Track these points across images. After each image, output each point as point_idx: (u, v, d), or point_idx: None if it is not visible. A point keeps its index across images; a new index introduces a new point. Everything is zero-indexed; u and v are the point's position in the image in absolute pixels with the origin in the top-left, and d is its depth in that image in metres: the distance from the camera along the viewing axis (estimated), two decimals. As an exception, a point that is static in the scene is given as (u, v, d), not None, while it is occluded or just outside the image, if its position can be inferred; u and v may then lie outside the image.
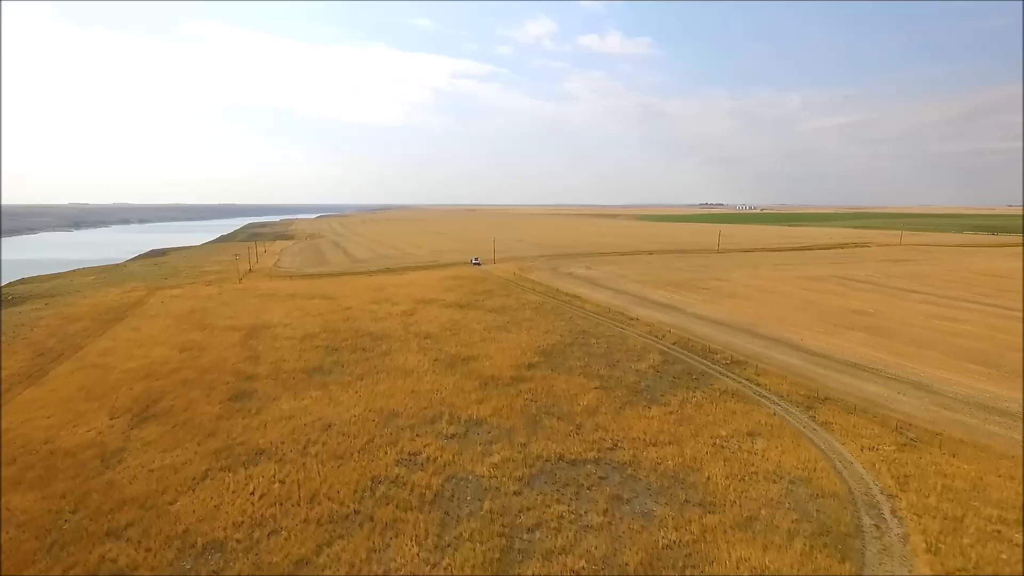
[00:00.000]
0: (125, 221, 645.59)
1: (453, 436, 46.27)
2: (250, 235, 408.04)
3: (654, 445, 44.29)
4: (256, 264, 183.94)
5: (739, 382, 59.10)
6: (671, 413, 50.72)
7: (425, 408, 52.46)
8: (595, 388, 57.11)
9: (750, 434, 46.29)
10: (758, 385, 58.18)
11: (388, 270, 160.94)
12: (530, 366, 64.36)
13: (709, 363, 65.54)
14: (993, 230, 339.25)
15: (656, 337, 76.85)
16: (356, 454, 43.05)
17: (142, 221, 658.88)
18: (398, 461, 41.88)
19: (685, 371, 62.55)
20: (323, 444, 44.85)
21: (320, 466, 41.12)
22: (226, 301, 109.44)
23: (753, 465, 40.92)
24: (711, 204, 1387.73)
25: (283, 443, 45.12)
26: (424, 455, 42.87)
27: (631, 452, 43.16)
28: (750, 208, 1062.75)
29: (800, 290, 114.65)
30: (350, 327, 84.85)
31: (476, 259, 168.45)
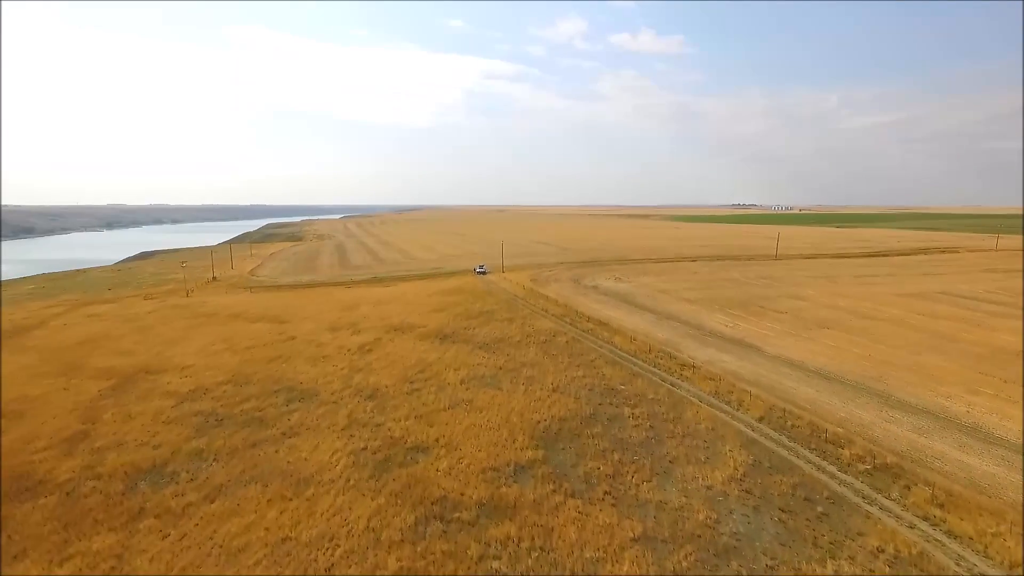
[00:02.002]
0: (158, 221, 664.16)
1: None
2: (263, 236, 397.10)
3: None
4: (230, 271, 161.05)
5: (912, 526, 31.14)
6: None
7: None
8: (633, 541, 29.86)
9: None
10: (951, 536, 30.17)
11: (377, 280, 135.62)
12: (518, 471, 37.50)
13: (835, 469, 37.56)
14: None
15: (731, 405, 48.98)
16: None
17: (174, 221, 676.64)
18: None
19: (796, 492, 34.74)
20: None
21: None
22: (146, 324, 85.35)
23: None
24: (743, 204, 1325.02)
25: None
26: None
27: None
28: (787, 208, 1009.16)
29: (912, 314, 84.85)
30: (273, 373, 59.29)
31: (482, 267, 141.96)
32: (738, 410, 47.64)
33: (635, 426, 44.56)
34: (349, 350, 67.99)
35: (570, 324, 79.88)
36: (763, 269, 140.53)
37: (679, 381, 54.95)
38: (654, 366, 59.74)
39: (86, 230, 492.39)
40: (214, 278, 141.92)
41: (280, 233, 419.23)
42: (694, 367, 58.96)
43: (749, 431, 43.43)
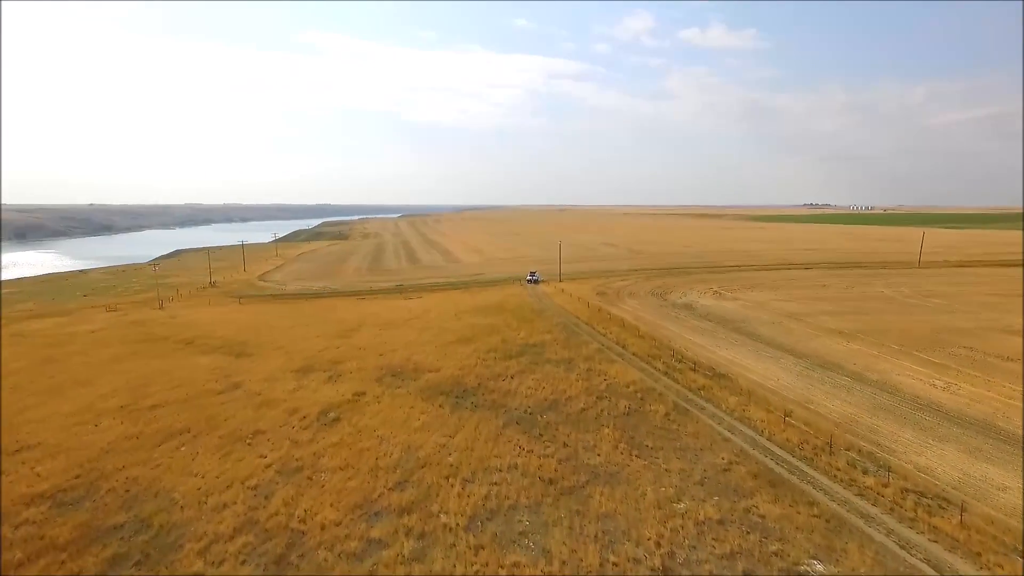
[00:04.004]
0: (229, 220, 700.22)
1: None
2: (313, 234, 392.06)
3: None
4: (240, 274, 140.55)
5: None
6: None
7: None
8: None
9: None
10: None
11: (400, 290, 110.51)
12: None
13: None
14: None
15: None
16: None
17: (243, 220, 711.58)
18: None
19: None
20: None
21: None
22: (64, 354, 63.22)
23: None
24: (816, 204, 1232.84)
25: None
26: None
27: None
28: (867, 208, 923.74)
29: None
30: (141, 475, 34.07)
31: (533, 275, 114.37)
32: None
33: None
34: (303, 419, 42.07)
35: (665, 374, 51.16)
36: (915, 282, 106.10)
37: (907, 534, 25.77)
38: (839, 481, 30.74)
39: (162, 228, 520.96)
40: (212, 283, 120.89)
41: (329, 232, 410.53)
42: (918, 492, 29.49)
43: None
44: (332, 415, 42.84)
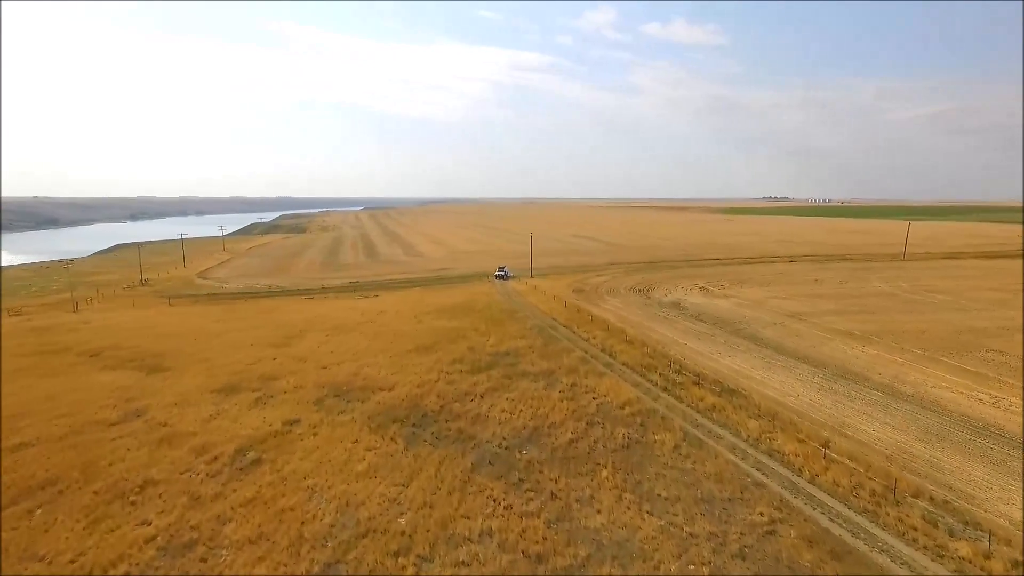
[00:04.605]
0: (183, 213, 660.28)
1: None
2: (269, 227, 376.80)
3: None
4: (179, 271, 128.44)
5: None
6: None
7: None
8: None
9: None
10: None
11: (355, 288, 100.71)
12: None
13: None
14: None
15: None
16: None
17: (199, 213, 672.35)
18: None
19: None
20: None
21: None
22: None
23: None
24: (775, 198, 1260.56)
25: None
26: None
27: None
28: (825, 201, 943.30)
29: None
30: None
31: (503, 270, 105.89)
32: None
33: None
34: (212, 461, 32.80)
35: (665, 391, 43.28)
36: (908, 275, 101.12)
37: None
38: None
39: (111, 222, 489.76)
40: (144, 281, 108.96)
41: (286, 225, 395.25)
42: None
43: None
44: (251, 455, 33.63)
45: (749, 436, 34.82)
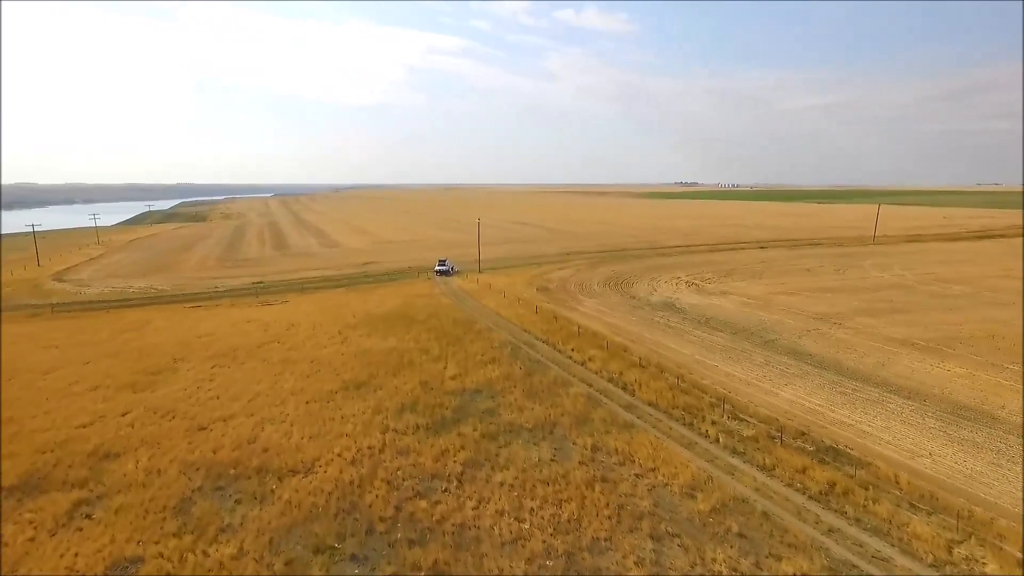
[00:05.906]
0: (69, 202, 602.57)
1: None
2: (165, 216, 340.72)
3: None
4: (31, 270, 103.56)
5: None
6: None
7: None
8: None
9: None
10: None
11: (259, 291, 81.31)
12: None
13: None
14: None
15: None
16: None
17: (87, 201, 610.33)
18: None
19: None
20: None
21: None
22: None
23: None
24: (686, 183, 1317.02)
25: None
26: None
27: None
28: (734, 186, 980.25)
29: None
30: None
31: (445, 263, 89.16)
32: None
33: None
34: None
35: (735, 454, 29.14)
36: (901, 262, 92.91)
37: None
38: None
39: None
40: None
41: (184, 213, 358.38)
42: None
43: None
44: None
45: (937, 559, 21.02)
